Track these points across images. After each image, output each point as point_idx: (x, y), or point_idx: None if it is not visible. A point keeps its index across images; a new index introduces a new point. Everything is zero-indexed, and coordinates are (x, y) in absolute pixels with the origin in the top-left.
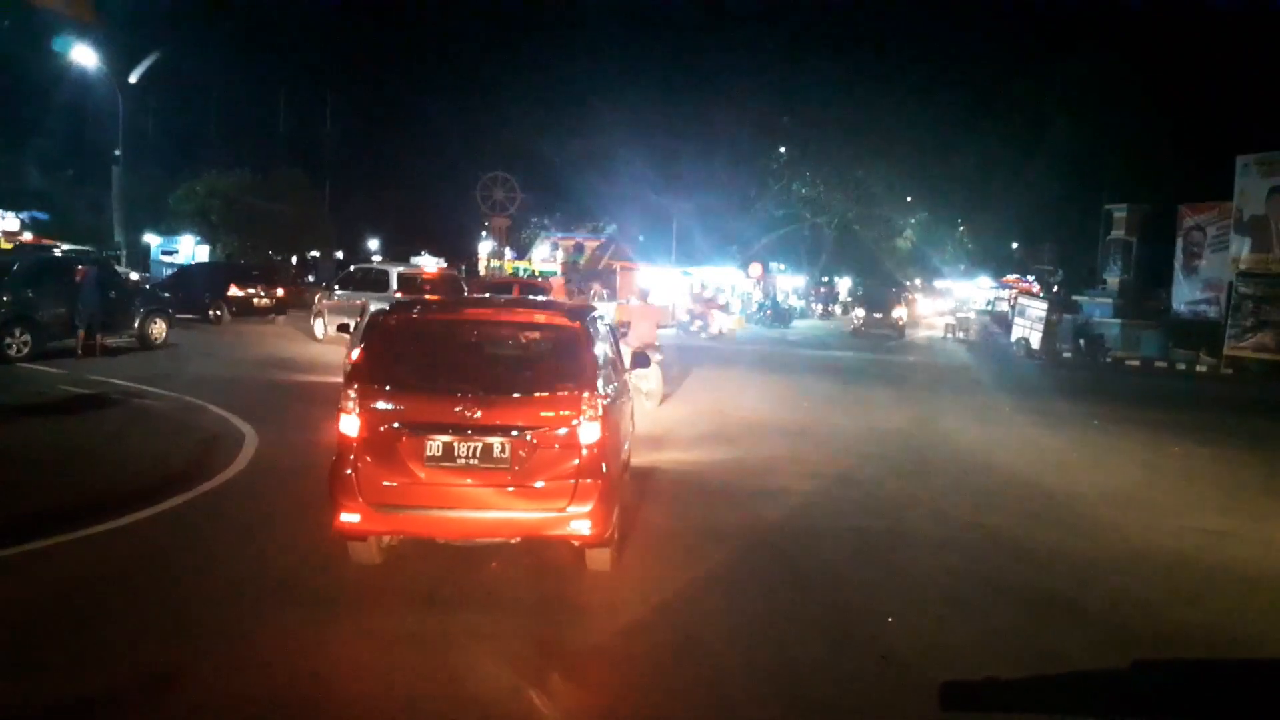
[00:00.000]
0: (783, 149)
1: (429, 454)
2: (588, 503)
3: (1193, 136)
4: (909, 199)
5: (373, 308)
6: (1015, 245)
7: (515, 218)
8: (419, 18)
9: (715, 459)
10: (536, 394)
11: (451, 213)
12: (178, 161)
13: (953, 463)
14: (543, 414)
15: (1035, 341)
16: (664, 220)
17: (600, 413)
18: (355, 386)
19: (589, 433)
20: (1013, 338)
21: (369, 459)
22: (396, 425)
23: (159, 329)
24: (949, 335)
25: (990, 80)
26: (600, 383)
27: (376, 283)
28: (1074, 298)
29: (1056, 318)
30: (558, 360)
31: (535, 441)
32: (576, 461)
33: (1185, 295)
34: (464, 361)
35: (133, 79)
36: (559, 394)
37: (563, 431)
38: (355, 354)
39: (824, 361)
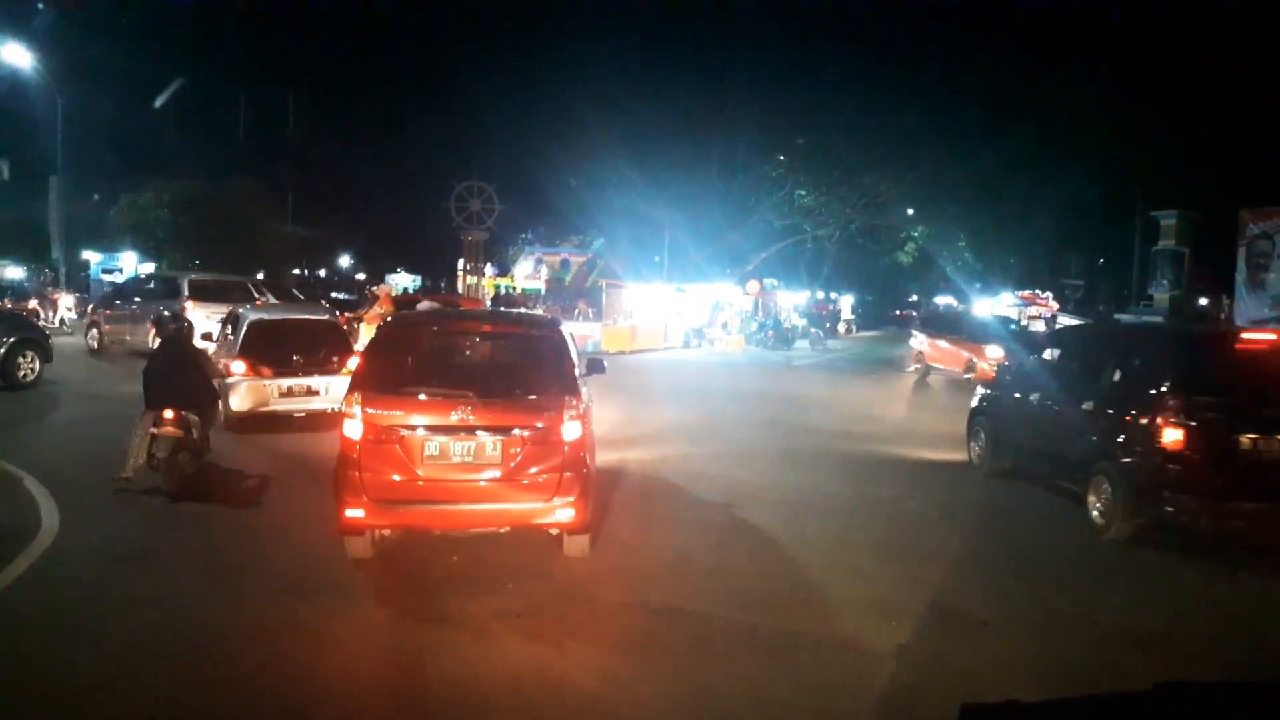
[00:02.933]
0: (781, 156)
1: (427, 453)
2: (571, 494)
3: (1251, 133)
4: (923, 205)
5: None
6: (1012, 260)
7: (498, 232)
8: (390, 17)
9: None
10: (525, 397)
11: (429, 227)
12: (123, 172)
13: None
14: (531, 415)
15: None
16: (655, 234)
17: (581, 413)
18: (357, 393)
19: (571, 431)
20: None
21: (371, 459)
22: (396, 428)
23: (30, 364)
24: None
25: (1015, 79)
26: (579, 386)
27: (166, 291)
28: (1117, 316)
29: None
30: (542, 366)
31: (524, 440)
32: (560, 457)
33: (1249, 312)
34: (457, 368)
35: (157, 104)
36: (545, 397)
37: (548, 431)
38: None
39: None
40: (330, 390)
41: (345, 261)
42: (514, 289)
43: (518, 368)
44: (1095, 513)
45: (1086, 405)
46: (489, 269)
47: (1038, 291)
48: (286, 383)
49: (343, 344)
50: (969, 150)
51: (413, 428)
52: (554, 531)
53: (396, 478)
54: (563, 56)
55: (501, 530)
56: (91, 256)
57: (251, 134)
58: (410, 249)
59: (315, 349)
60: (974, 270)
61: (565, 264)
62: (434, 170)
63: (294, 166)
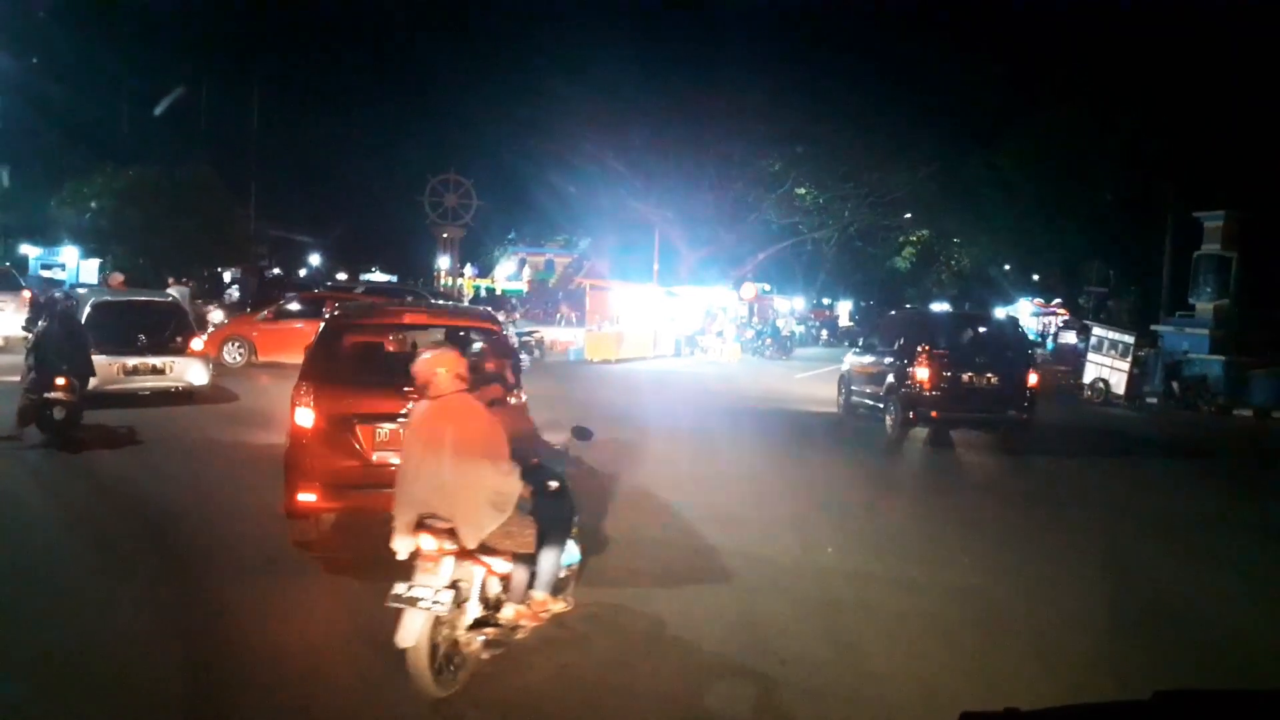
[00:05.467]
0: (780, 150)
1: (378, 440)
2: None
3: None
4: (934, 206)
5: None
6: (1006, 266)
7: (483, 232)
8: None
9: None
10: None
11: (406, 224)
12: (70, 161)
13: None
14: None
15: (1119, 385)
16: (646, 234)
17: (524, 402)
18: (309, 384)
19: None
20: (1086, 378)
21: (323, 445)
22: (348, 416)
23: None
24: None
25: (1040, 66)
26: (520, 376)
27: None
28: (1154, 328)
29: (1144, 354)
30: (486, 357)
31: None
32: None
33: None
34: (404, 358)
35: (157, 111)
36: (489, 387)
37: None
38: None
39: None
40: (174, 369)
41: (316, 259)
42: (494, 290)
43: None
44: (888, 425)
45: (887, 361)
46: (469, 269)
47: (1055, 300)
48: (132, 361)
49: (186, 325)
50: (987, 145)
51: (364, 415)
52: None
53: (348, 464)
54: (549, 42)
55: None
56: (31, 252)
57: (213, 122)
58: (387, 247)
59: (160, 329)
60: (984, 276)
61: (549, 265)
62: (412, 164)
63: (259, 157)
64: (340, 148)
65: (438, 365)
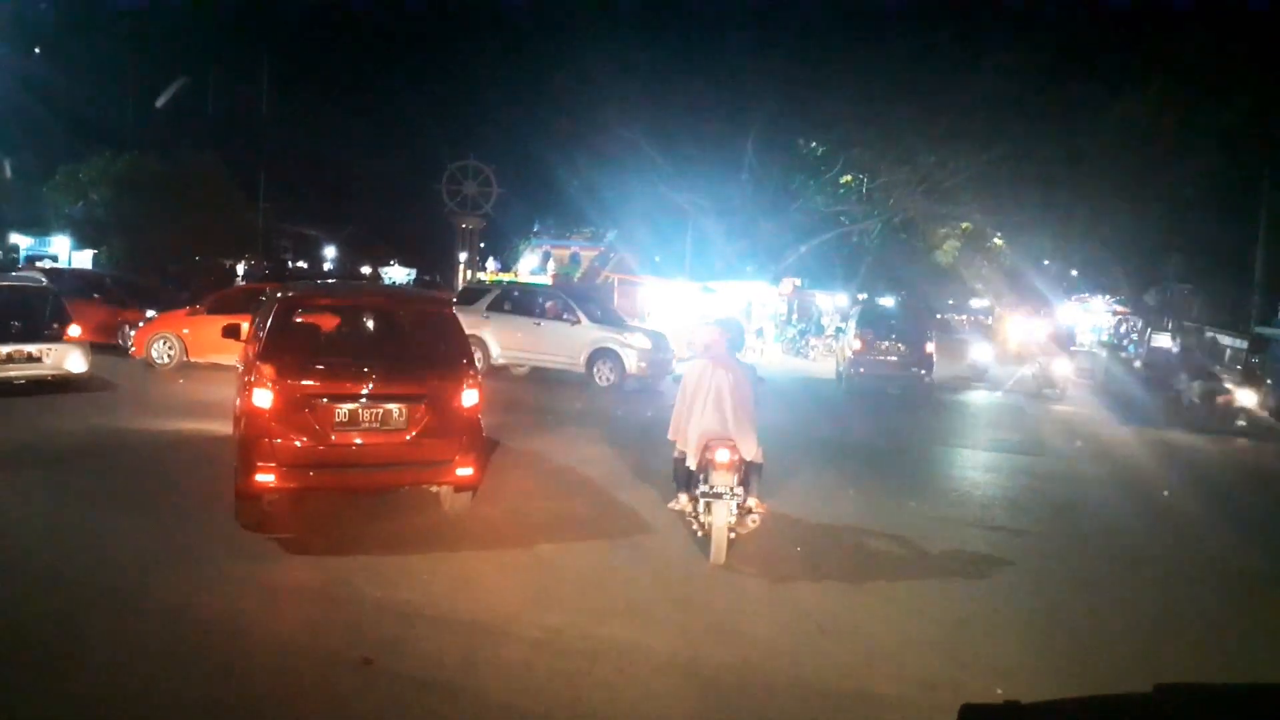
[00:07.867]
0: (824, 136)
1: (337, 420)
2: (470, 453)
3: None
4: (1001, 192)
5: None
6: (1046, 261)
7: (508, 224)
8: None
9: None
10: (428, 367)
11: (427, 215)
12: (66, 146)
13: None
14: (433, 384)
15: (1247, 401)
16: (678, 224)
17: (478, 382)
18: (268, 365)
19: (470, 398)
20: (1196, 393)
21: (282, 426)
22: (308, 397)
23: None
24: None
25: (1125, 42)
26: (474, 358)
27: None
28: (1259, 330)
29: (1256, 362)
30: (440, 338)
31: (428, 407)
32: (460, 422)
33: None
34: (362, 340)
35: (159, 103)
36: (445, 367)
37: (450, 398)
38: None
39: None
40: (51, 357)
41: (331, 252)
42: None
43: (417, 340)
44: (841, 380)
45: (848, 338)
46: (491, 263)
47: (1119, 299)
48: (5, 349)
49: (63, 312)
50: (1066, 126)
51: (323, 396)
52: (434, 489)
53: (307, 443)
54: (576, 19)
55: (402, 489)
56: (23, 241)
57: (222, 110)
58: (406, 239)
59: (36, 316)
60: (1039, 270)
61: (575, 258)
62: (431, 152)
63: (270, 146)
64: (357, 136)
65: (714, 336)
